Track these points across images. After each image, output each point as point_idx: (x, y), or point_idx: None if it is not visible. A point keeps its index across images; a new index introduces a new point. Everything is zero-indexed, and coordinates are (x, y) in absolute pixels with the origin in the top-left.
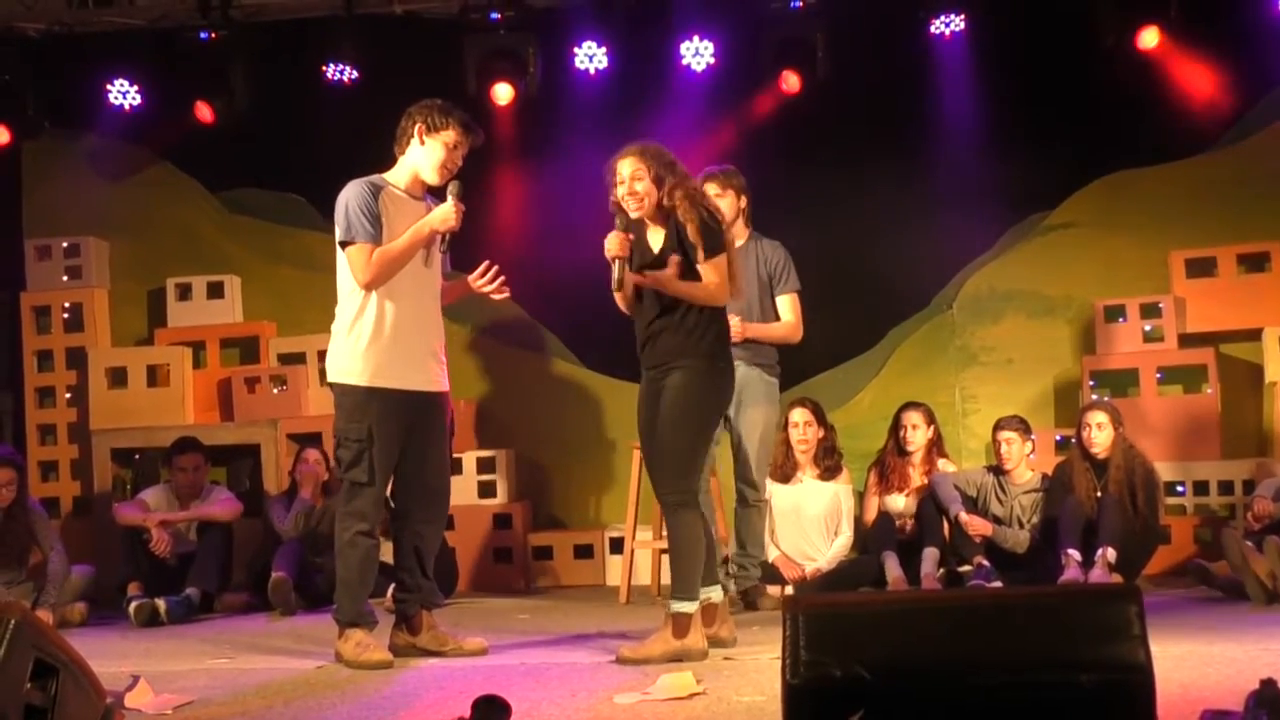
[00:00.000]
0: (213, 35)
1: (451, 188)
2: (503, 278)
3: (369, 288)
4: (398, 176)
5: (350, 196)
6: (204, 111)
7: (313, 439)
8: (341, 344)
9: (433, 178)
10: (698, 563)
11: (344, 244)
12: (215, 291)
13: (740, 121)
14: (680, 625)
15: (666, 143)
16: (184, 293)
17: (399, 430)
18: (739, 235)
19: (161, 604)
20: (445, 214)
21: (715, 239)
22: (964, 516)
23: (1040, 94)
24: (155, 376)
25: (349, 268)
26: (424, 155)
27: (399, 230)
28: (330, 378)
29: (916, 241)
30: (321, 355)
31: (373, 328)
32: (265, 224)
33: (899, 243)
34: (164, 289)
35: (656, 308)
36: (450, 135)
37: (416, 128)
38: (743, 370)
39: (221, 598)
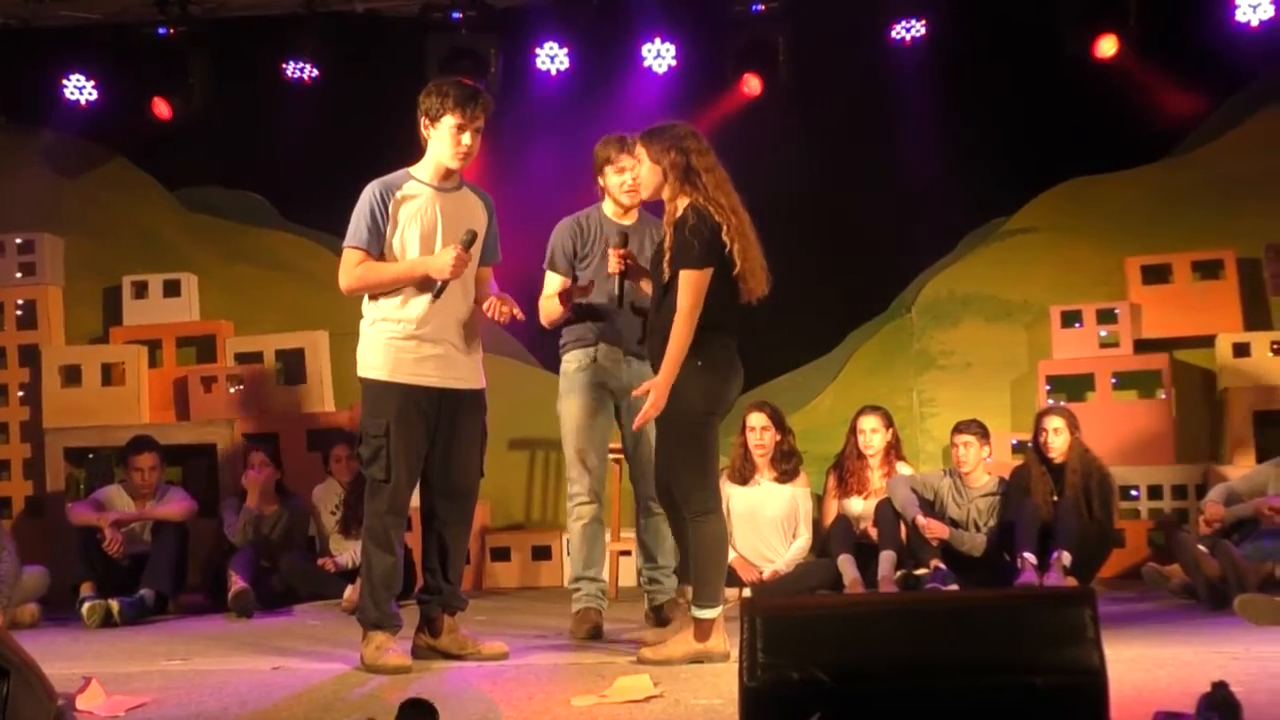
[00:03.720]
0: (171, 31)
1: (463, 235)
2: (510, 306)
3: (347, 293)
4: (423, 169)
5: (361, 199)
6: (162, 108)
7: (269, 439)
8: (365, 339)
9: (456, 164)
10: (721, 568)
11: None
12: (172, 290)
13: (702, 124)
14: (703, 629)
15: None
16: (140, 291)
17: (422, 427)
18: (634, 212)
19: (115, 605)
20: (443, 263)
21: (689, 250)
22: (921, 520)
23: (1000, 100)
24: (110, 375)
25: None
26: (437, 145)
27: (422, 228)
28: (358, 373)
29: (877, 245)
30: (279, 355)
31: (395, 322)
32: (223, 222)
33: (859, 246)
34: (120, 287)
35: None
36: (451, 119)
37: (422, 121)
38: (636, 366)
39: (176, 599)
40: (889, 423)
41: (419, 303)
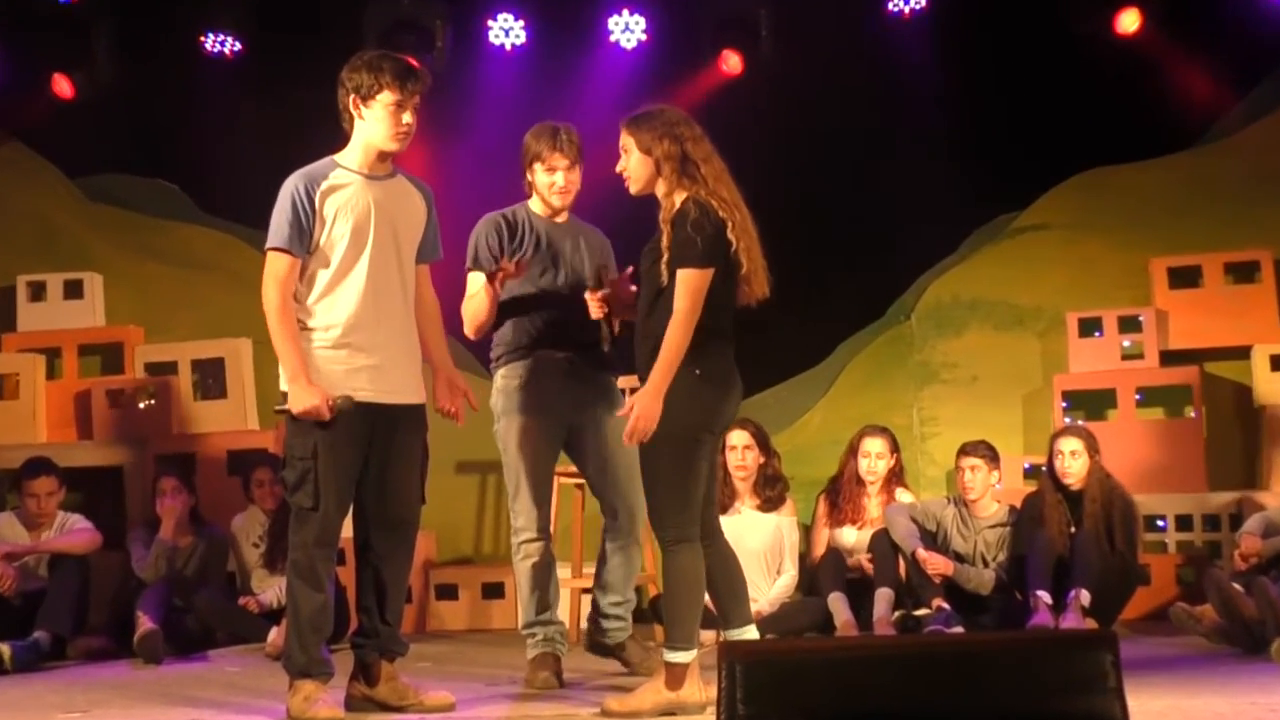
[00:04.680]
0: None
1: (342, 402)
2: (462, 397)
3: (266, 311)
4: (351, 156)
5: (281, 193)
6: (62, 85)
7: (184, 461)
8: None
9: (395, 146)
10: (696, 606)
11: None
12: (73, 291)
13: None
14: (675, 675)
15: (589, 130)
16: (37, 292)
17: (354, 448)
18: (565, 214)
19: (6, 649)
20: (305, 407)
21: (690, 247)
22: (922, 554)
23: (1009, 82)
24: (2, 388)
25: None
26: (370, 128)
27: (354, 222)
28: (280, 384)
29: (871, 244)
30: (196, 365)
31: (323, 328)
32: (132, 215)
33: (851, 245)
34: (13, 288)
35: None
36: (387, 97)
37: (351, 100)
38: (586, 373)
39: (75, 642)
40: (895, 447)
41: (348, 305)
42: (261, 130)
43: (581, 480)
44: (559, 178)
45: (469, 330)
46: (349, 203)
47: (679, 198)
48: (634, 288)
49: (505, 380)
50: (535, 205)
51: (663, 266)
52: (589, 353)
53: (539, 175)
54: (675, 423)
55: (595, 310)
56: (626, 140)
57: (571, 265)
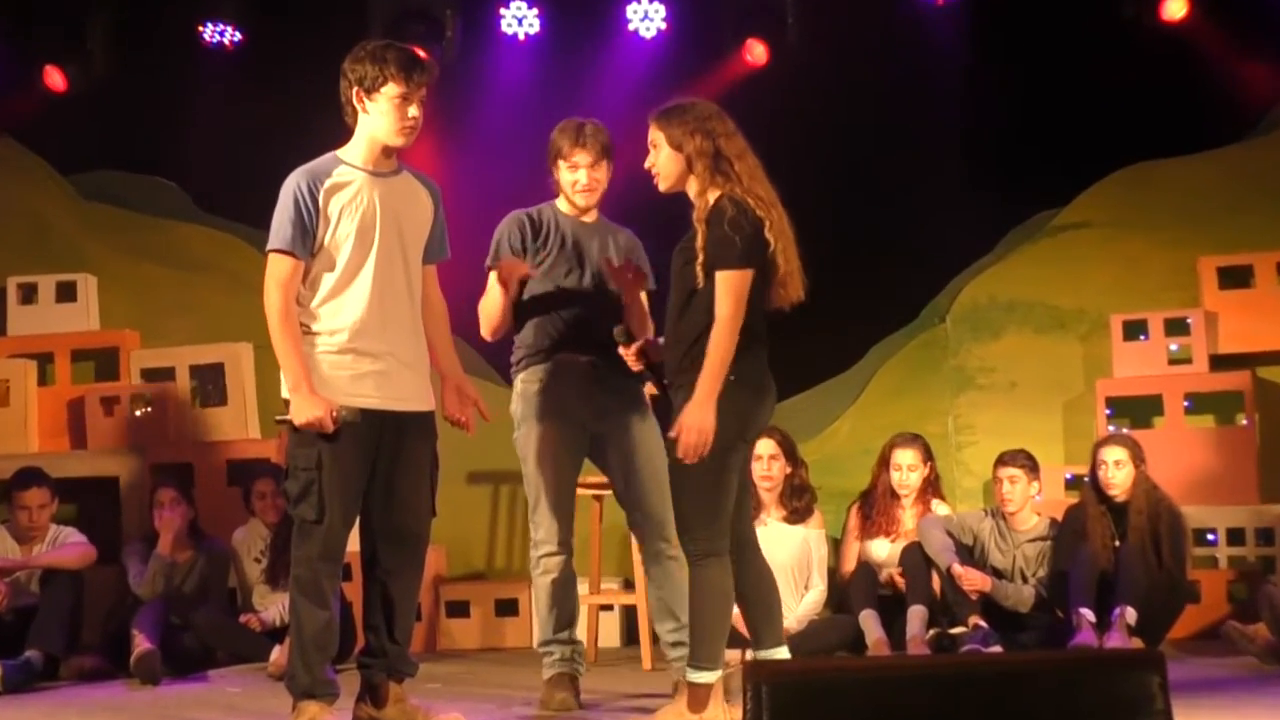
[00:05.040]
0: None
1: (346, 414)
2: (472, 405)
3: (268, 315)
4: (355, 151)
5: (282, 191)
6: (55, 78)
7: (181, 472)
8: None
9: (401, 141)
10: (722, 623)
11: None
12: (66, 293)
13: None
14: (698, 697)
15: (606, 124)
16: (28, 294)
17: (360, 457)
18: (593, 212)
19: None
20: (308, 418)
21: (729, 247)
22: (958, 569)
23: (1049, 72)
24: None
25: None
26: (375, 122)
27: (359, 221)
28: (282, 393)
29: (903, 243)
30: (194, 371)
31: (327, 333)
32: (127, 213)
33: (883, 244)
34: (3, 290)
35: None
36: (393, 89)
37: (354, 93)
38: (612, 380)
39: (69, 661)
40: (928, 456)
41: (354, 308)
42: (263, 124)
43: (599, 491)
44: (582, 175)
45: (485, 331)
46: (353, 201)
47: (712, 196)
48: (660, 340)
49: (525, 385)
50: (562, 204)
51: (697, 268)
52: (614, 356)
53: (562, 173)
54: (716, 434)
55: (633, 364)
56: (656, 135)
57: (598, 266)
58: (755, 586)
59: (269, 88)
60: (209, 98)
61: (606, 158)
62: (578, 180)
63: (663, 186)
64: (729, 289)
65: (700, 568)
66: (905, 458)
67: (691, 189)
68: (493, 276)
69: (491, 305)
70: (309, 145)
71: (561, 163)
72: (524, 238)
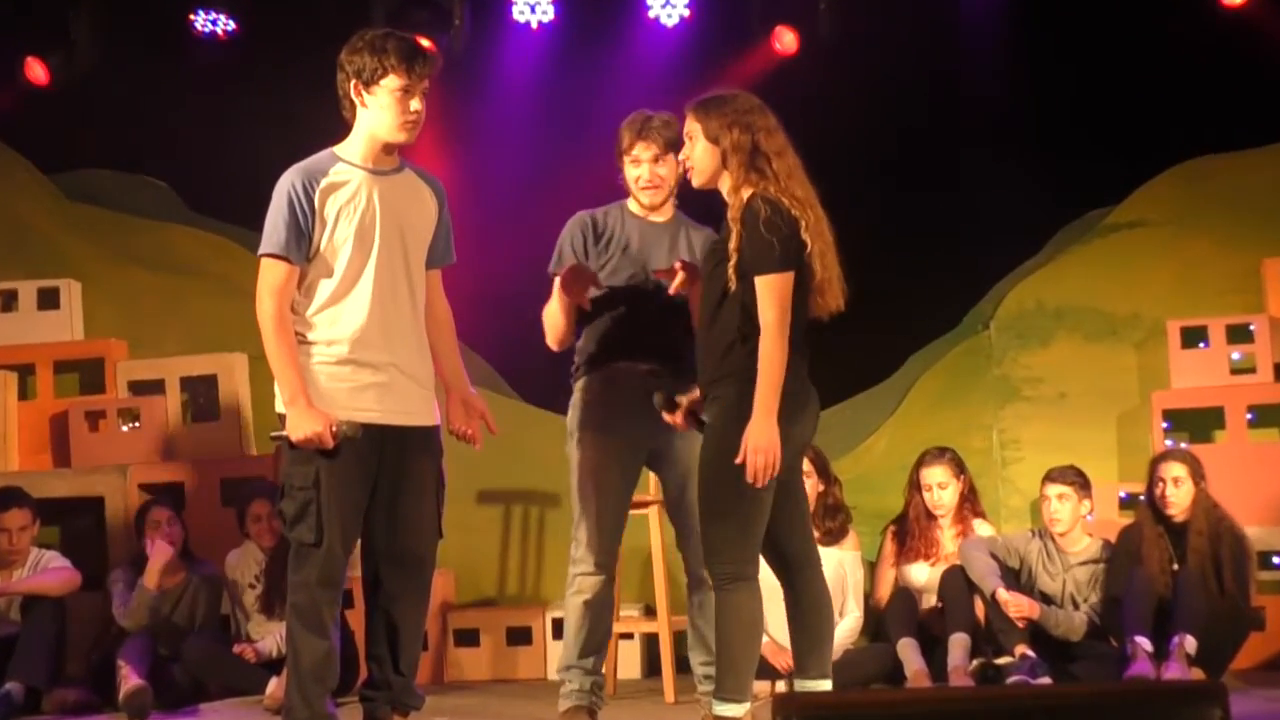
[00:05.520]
0: None
1: (346, 428)
2: (479, 419)
3: (261, 324)
4: (353, 148)
5: (276, 191)
6: (36, 70)
7: (173, 491)
8: None
9: (399, 137)
10: (751, 652)
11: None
12: (48, 300)
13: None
14: None
15: (625, 115)
16: (8, 301)
17: (360, 475)
18: (666, 210)
19: None
20: (305, 434)
21: (767, 250)
22: (1003, 594)
23: (1100, 61)
24: None
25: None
26: (374, 117)
27: (359, 223)
28: (277, 407)
29: (944, 245)
30: (185, 383)
31: (325, 343)
32: (113, 215)
33: (922, 246)
34: None
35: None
36: (393, 81)
37: (352, 86)
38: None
39: (51, 694)
40: (960, 469)
41: (354, 316)
42: (259, 120)
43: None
44: (644, 171)
45: (550, 341)
46: (352, 201)
47: (746, 194)
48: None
49: (579, 395)
50: (631, 203)
51: (730, 270)
52: (675, 366)
53: (627, 169)
54: (740, 445)
55: (681, 427)
56: (692, 127)
57: (668, 258)
58: (811, 610)
59: (265, 80)
60: (201, 91)
61: (674, 152)
62: (640, 176)
63: (696, 181)
64: (771, 294)
65: (727, 593)
66: (935, 475)
67: (724, 185)
68: (557, 282)
69: (554, 313)
70: (308, 142)
71: (625, 158)
72: (586, 241)
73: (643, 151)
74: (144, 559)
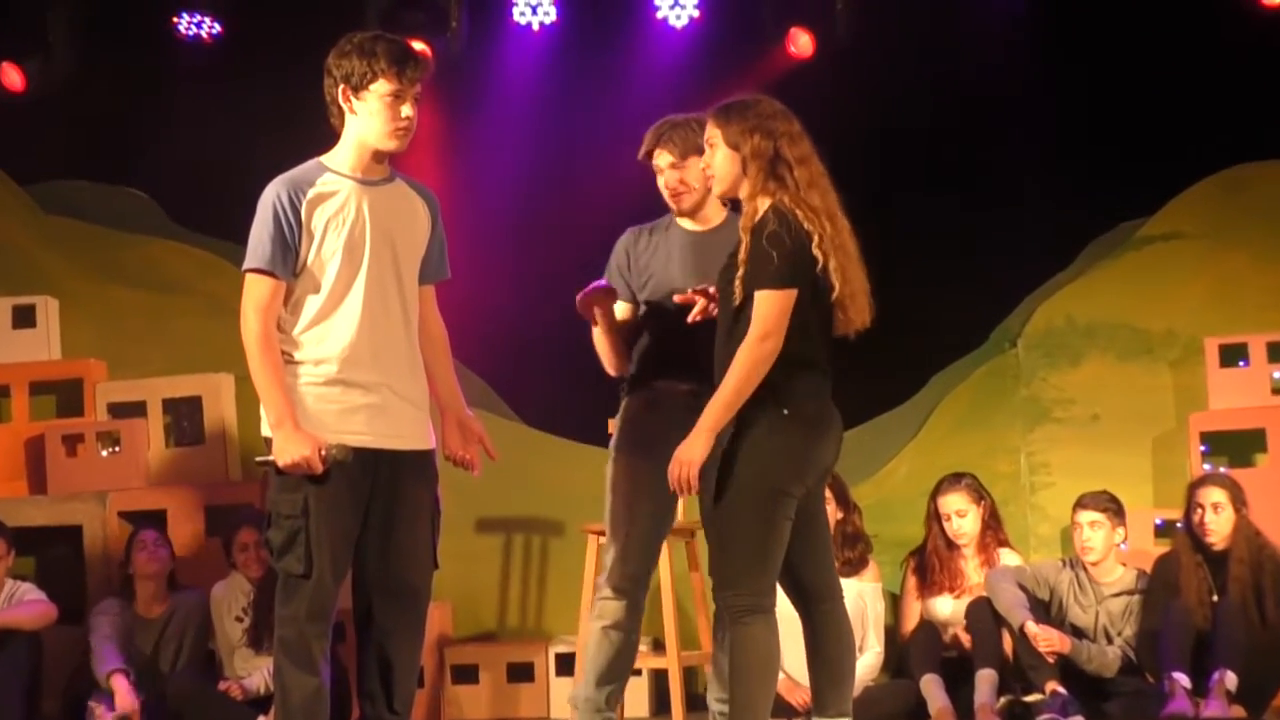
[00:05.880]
0: None
1: (337, 452)
2: (477, 444)
3: (246, 344)
4: (341, 157)
5: (261, 203)
6: (12, 76)
7: (154, 519)
8: None
9: (390, 145)
10: (767, 688)
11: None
12: (24, 319)
13: (731, 95)
14: None
15: (634, 123)
16: None
17: (351, 502)
18: (712, 216)
19: None
20: (293, 459)
21: (764, 264)
22: (1032, 627)
23: (1134, 63)
24: None
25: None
26: (364, 124)
27: (348, 236)
28: (263, 430)
29: (968, 257)
30: (168, 405)
31: (313, 362)
32: (93, 228)
33: (945, 259)
34: None
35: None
36: (383, 86)
37: (340, 91)
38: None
39: None
40: (979, 495)
41: (343, 334)
42: (247, 128)
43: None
44: (666, 177)
45: (606, 368)
46: (340, 213)
47: (761, 204)
48: None
49: (620, 416)
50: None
51: (737, 282)
52: (716, 383)
53: (658, 179)
54: (756, 470)
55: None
56: (713, 133)
57: (709, 274)
58: (832, 644)
59: (253, 86)
60: (185, 98)
61: (696, 154)
62: (664, 183)
63: (717, 190)
64: (761, 310)
65: (743, 626)
66: (953, 503)
67: (743, 193)
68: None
69: (596, 338)
70: (300, 151)
71: (652, 166)
72: (628, 258)
73: (661, 158)
74: (131, 589)
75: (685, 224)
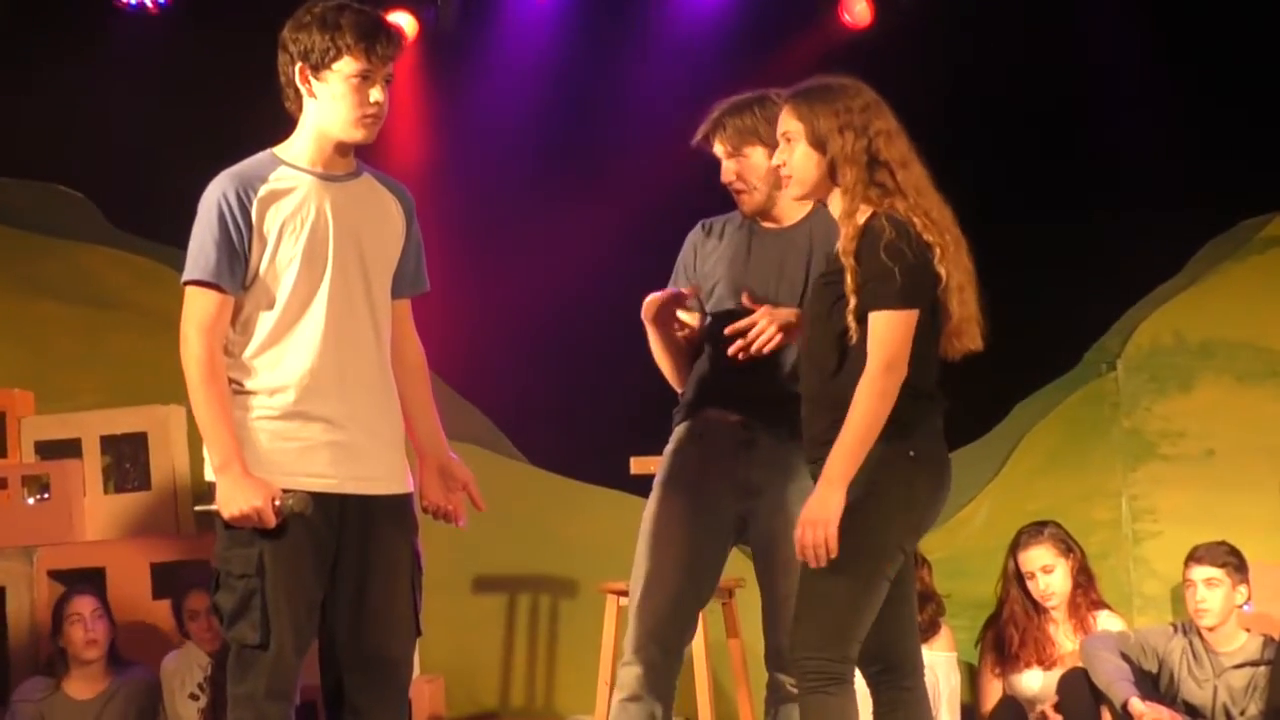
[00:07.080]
0: None
1: (294, 503)
2: (461, 498)
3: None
4: (298, 148)
5: (203, 202)
6: None
7: (92, 578)
8: None
9: (355, 135)
10: None
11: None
12: None
13: (774, 76)
14: None
15: (657, 108)
16: None
17: (315, 558)
18: (790, 212)
19: None
20: (241, 509)
21: (887, 280)
22: (1137, 705)
23: (1254, 33)
24: None
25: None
26: (325, 110)
27: (308, 243)
28: (206, 474)
29: (1059, 265)
30: (106, 444)
31: (267, 392)
32: (18, 233)
33: (1031, 267)
34: None
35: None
36: (347, 65)
37: (297, 71)
38: (772, 450)
39: None
40: (1067, 546)
41: (302, 358)
42: (197, 116)
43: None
44: (725, 171)
45: (672, 384)
46: (297, 213)
47: (862, 217)
48: None
49: (667, 447)
50: None
51: (849, 316)
52: (773, 414)
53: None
54: (878, 524)
55: None
56: (790, 124)
57: (778, 287)
58: None
59: (205, 65)
60: (126, 78)
61: (753, 143)
62: (723, 178)
63: (794, 193)
64: (882, 334)
65: (822, 695)
66: (1037, 559)
67: (835, 205)
68: (678, 314)
69: (655, 352)
70: (253, 140)
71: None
72: (696, 256)
73: (718, 149)
74: (63, 663)
75: (762, 223)
